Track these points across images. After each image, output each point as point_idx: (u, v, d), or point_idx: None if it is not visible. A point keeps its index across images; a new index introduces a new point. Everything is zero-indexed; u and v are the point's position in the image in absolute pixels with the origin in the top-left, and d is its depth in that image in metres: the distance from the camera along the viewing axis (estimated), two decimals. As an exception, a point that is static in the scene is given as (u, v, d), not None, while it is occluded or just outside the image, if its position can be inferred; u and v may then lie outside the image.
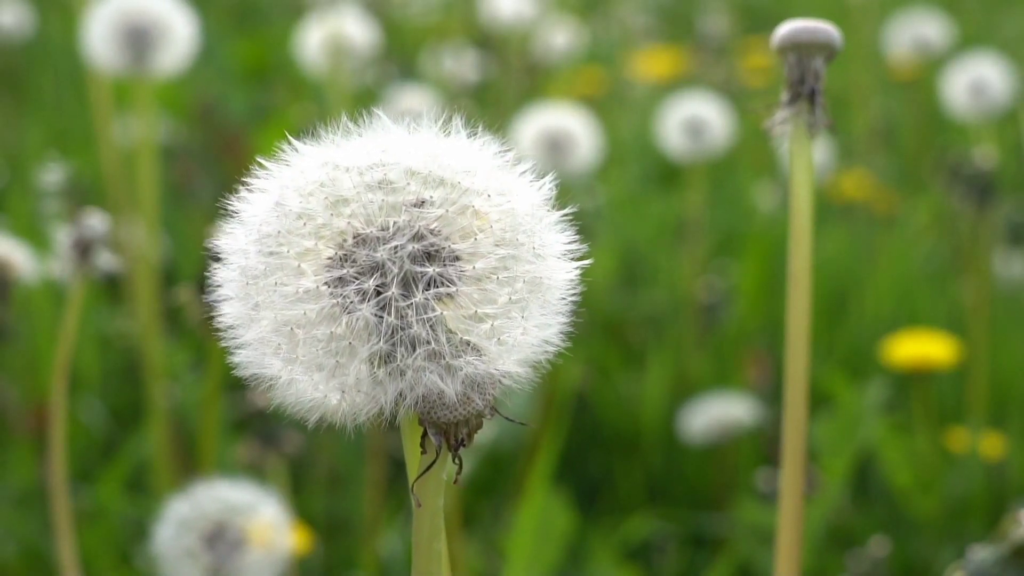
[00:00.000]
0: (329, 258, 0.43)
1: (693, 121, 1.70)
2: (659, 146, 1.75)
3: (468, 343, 0.42)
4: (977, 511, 1.31)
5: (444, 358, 0.42)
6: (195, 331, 1.16)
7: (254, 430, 1.08)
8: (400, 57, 2.56)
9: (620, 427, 1.49)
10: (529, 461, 1.31)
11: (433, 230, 0.43)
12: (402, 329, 0.42)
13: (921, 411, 1.36)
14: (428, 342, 0.42)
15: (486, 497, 1.37)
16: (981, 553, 0.59)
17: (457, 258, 0.43)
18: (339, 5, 1.72)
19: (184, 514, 0.89)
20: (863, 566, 1.05)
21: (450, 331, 0.42)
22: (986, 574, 0.58)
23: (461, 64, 2.28)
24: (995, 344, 1.50)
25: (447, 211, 0.43)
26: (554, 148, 1.57)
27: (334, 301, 0.43)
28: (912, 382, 1.39)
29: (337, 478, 1.34)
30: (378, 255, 0.42)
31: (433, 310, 0.42)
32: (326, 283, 0.43)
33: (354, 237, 0.43)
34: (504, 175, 0.44)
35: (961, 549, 1.20)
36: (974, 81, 1.90)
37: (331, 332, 0.42)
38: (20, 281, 1.01)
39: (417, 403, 0.42)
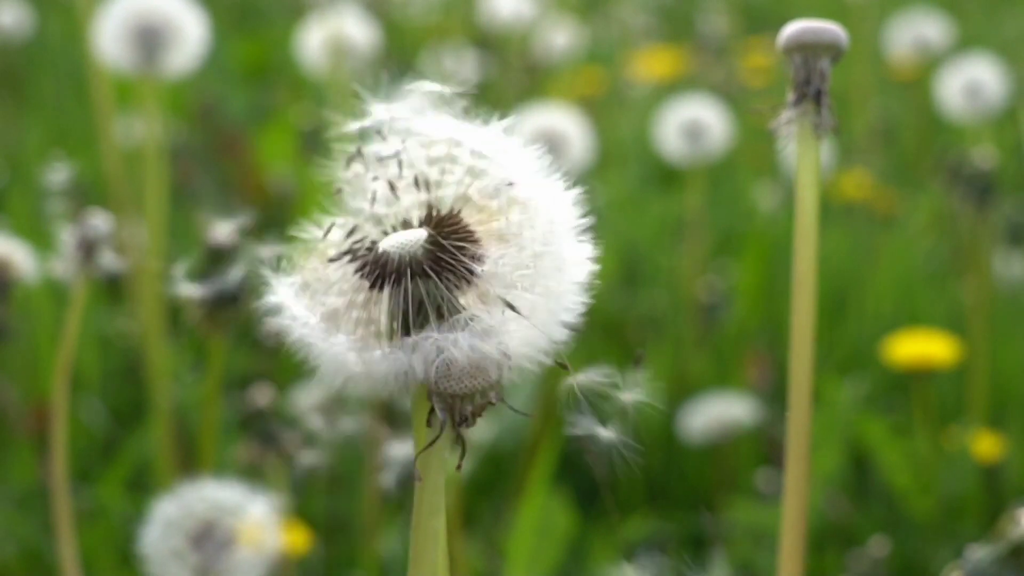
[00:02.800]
0: (367, 245, 0.45)
1: (691, 124, 1.70)
2: (658, 148, 1.75)
3: (479, 320, 0.43)
4: (975, 511, 1.31)
5: (455, 330, 0.42)
6: (196, 331, 1.17)
7: (254, 430, 1.09)
8: (400, 57, 2.56)
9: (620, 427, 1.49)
10: (529, 461, 1.31)
11: (459, 214, 0.44)
12: (417, 301, 0.43)
13: (921, 411, 1.36)
14: (441, 315, 0.43)
15: (486, 497, 1.37)
16: (979, 553, 0.59)
17: (478, 241, 0.44)
18: (339, 5, 1.72)
19: (171, 514, 0.89)
20: (863, 566, 1.05)
21: (463, 307, 0.43)
22: (984, 573, 0.58)
23: (461, 64, 2.28)
24: (995, 344, 1.50)
25: (476, 195, 0.44)
26: (548, 148, 1.57)
27: (361, 279, 0.44)
28: (912, 382, 1.39)
29: (337, 478, 1.34)
30: (410, 237, 0.44)
31: (450, 285, 0.43)
32: (353, 262, 0.44)
33: (391, 224, 0.45)
34: (529, 166, 0.45)
35: (959, 549, 1.20)
36: (969, 83, 1.90)
37: (358, 313, 0.44)
38: (20, 281, 1.01)
39: (424, 371, 0.42)
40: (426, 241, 0.43)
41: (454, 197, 0.45)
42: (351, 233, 0.46)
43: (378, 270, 0.44)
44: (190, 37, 1.32)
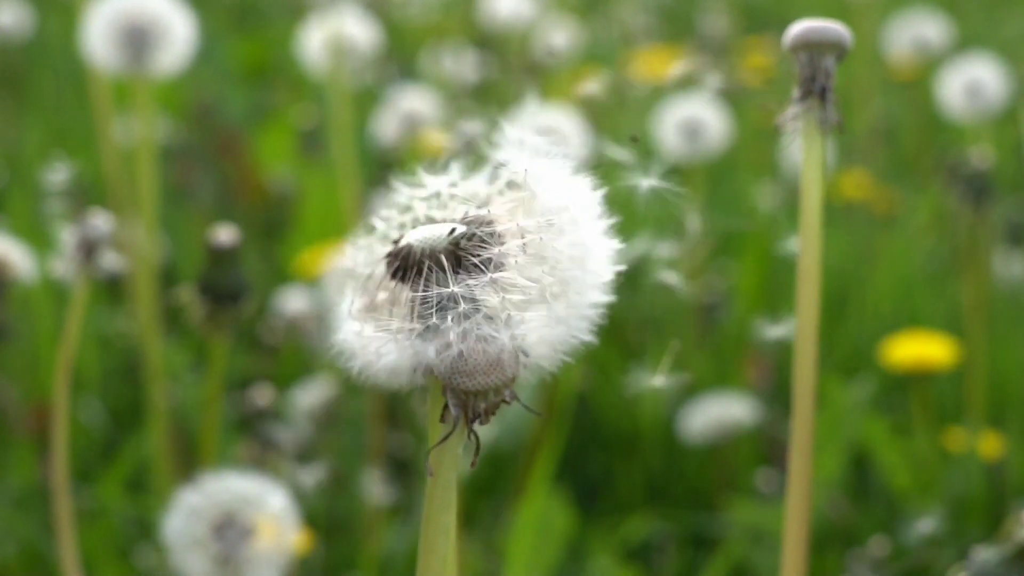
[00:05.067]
0: (395, 240, 0.45)
1: (690, 123, 1.70)
2: (658, 146, 1.75)
3: (499, 318, 0.43)
4: (977, 512, 1.31)
5: (476, 326, 0.43)
6: (195, 331, 1.17)
7: (254, 430, 1.09)
8: (400, 57, 2.57)
9: (620, 427, 1.49)
10: (529, 461, 1.31)
11: (487, 215, 0.45)
12: (437, 294, 0.43)
13: (920, 412, 1.36)
14: (464, 311, 0.43)
15: (486, 497, 1.37)
16: (985, 554, 0.59)
17: (503, 240, 0.44)
18: (339, 5, 1.72)
19: (194, 503, 0.89)
20: (863, 566, 1.05)
21: (486, 304, 0.43)
22: (990, 575, 0.58)
23: (461, 64, 2.28)
24: (994, 344, 1.50)
25: (504, 200, 0.45)
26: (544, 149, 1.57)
27: (390, 275, 0.45)
28: (911, 383, 1.39)
29: (337, 478, 1.34)
30: (435, 232, 0.44)
31: (472, 281, 0.43)
32: (385, 260, 0.45)
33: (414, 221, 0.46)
34: (559, 171, 0.46)
35: (961, 550, 1.20)
36: (970, 83, 1.90)
37: (384, 304, 0.45)
38: (18, 280, 1.01)
39: (443, 365, 0.43)
40: (451, 236, 0.44)
41: (483, 198, 0.46)
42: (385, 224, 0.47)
43: (399, 261, 0.44)
44: (179, 37, 1.32)
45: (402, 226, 0.46)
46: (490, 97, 2.27)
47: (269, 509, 0.89)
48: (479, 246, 0.44)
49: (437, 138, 1.73)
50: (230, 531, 0.88)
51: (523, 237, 0.44)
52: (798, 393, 0.56)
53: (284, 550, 0.89)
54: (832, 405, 1.26)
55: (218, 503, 0.89)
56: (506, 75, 2.33)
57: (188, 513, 0.89)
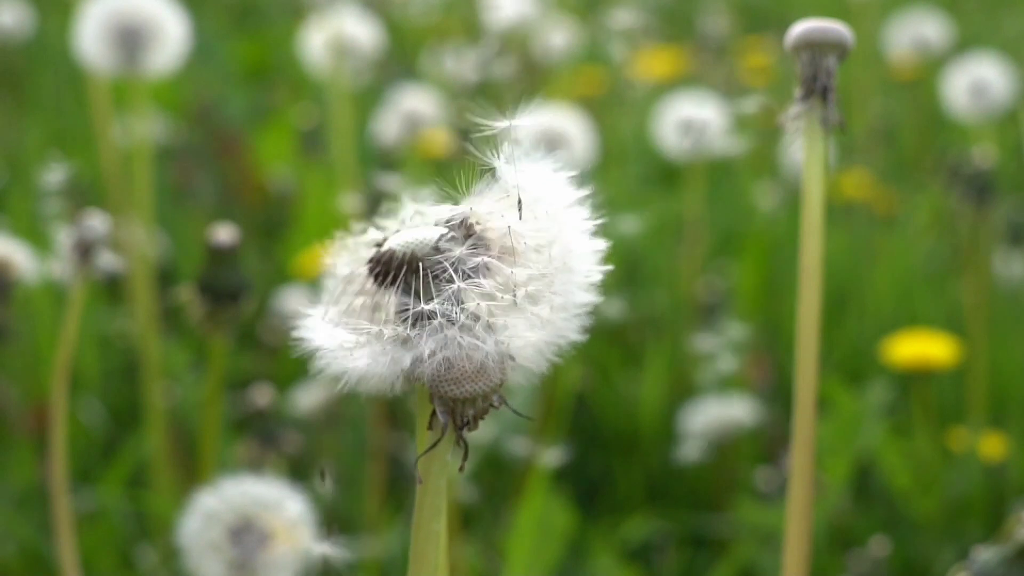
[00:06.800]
0: (377, 244, 0.45)
1: (690, 121, 1.70)
2: (658, 146, 1.75)
3: (484, 324, 0.43)
4: (977, 511, 1.31)
5: (459, 334, 0.43)
6: (195, 331, 1.16)
7: (254, 430, 1.08)
8: (400, 57, 2.56)
9: (619, 427, 1.49)
10: (529, 461, 1.31)
11: (470, 220, 0.44)
12: (420, 299, 0.43)
13: (921, 412, 1.36)
14: (447, 318, 0.43)
15: (486, 497, 1.37)
16: (986, 554, 0.59)
17: (488, 246, 0.44)
18: (339, 5, 1.72)
19: (211, 507, 0.88)
20: (863, 566, 1.05)
21: (469, 311, 0.43)
22: (991, 575, 0.58)
23: (461, 64, 2.28)
24: (995, 344, 1.50)
25: (489, 200, 0.45)
26: (548, 148, 1.56)
27: (369, 276, 0.44)
28: (912, 382, 1.39)
29: (337, 478, 1.34)
30: (421, 237, 0.44)
31: (457, 288, 0.43)
32: (367, 264, 0.45)
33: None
34: (540, 170, 0.45)
35: (961, 549, 1.19)
36: (974, 82, 1.90)
37: (366, 310, 0.44)
38: (20, 281, 1.01)
39: (428, 373, 0.43)
40: (435, 241, 0.43)
41: (474, 202, 0.45)
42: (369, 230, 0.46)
43: (380, 267, 0.44)
44: (172, 36, 1.31)
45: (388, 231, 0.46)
46: (490, 97, 2.27)
47: (286, 514, 0.88)
48: (463, 251, 0.44)
49: (438, 138, 1.73)
50: (247, 536, 0.88)
51: (509, 242, 0.44)
52: (799, 393, 0.56)
53: (301, 555, 0.88)
54: (842, 412, 1.25)
55: (235, 507, 0.88)
56: (506, 75, 2.32)
57: (205, 516, 0.88)
